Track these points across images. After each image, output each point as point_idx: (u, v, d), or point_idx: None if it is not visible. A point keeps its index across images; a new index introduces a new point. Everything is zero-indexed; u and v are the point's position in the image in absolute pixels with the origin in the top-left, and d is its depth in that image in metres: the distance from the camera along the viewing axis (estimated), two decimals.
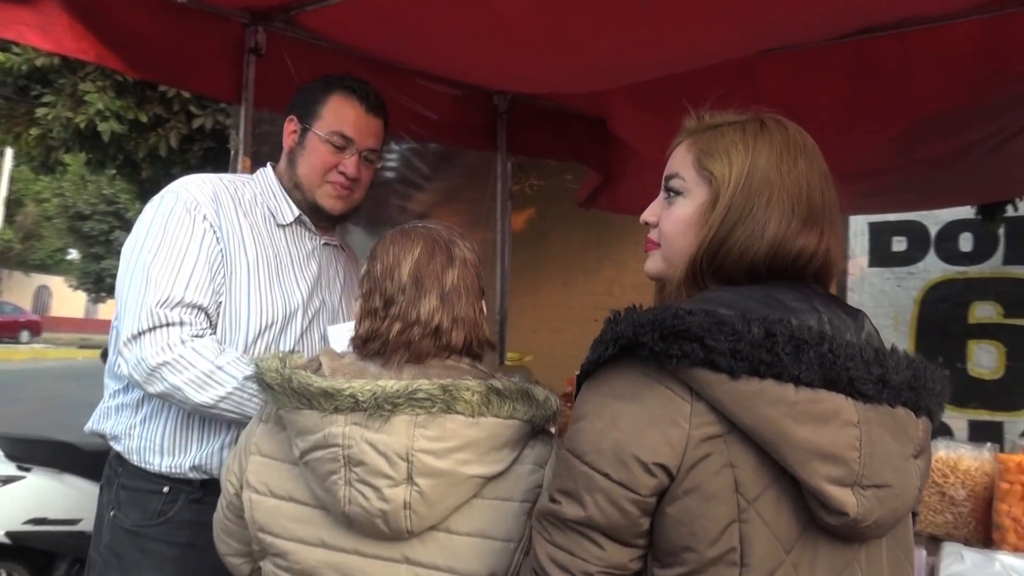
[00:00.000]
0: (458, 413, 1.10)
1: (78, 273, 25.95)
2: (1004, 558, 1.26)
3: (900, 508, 0.96)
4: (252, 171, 2.31)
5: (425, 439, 1.10)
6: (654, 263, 1.11)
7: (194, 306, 1.48)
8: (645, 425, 0.90)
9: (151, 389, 1.46)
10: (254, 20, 2.35)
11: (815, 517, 0.91)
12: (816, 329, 0.92)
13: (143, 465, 1.57)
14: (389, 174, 4.60)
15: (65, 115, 4.10)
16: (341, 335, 1.56)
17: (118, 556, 1.55)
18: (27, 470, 3.19)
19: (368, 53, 2.62)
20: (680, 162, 1.08)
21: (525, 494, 1.15)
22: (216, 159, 4.77)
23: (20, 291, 31.11)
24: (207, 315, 1.51)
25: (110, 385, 1.65)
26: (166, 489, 1.56)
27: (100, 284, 24.46)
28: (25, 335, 24.61)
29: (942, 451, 1.77)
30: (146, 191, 5.76)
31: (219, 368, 1.45)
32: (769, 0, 1.96)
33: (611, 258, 6.11)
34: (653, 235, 1.11)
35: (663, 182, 1.11)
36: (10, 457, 3.18)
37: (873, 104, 2.66)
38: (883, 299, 5.38)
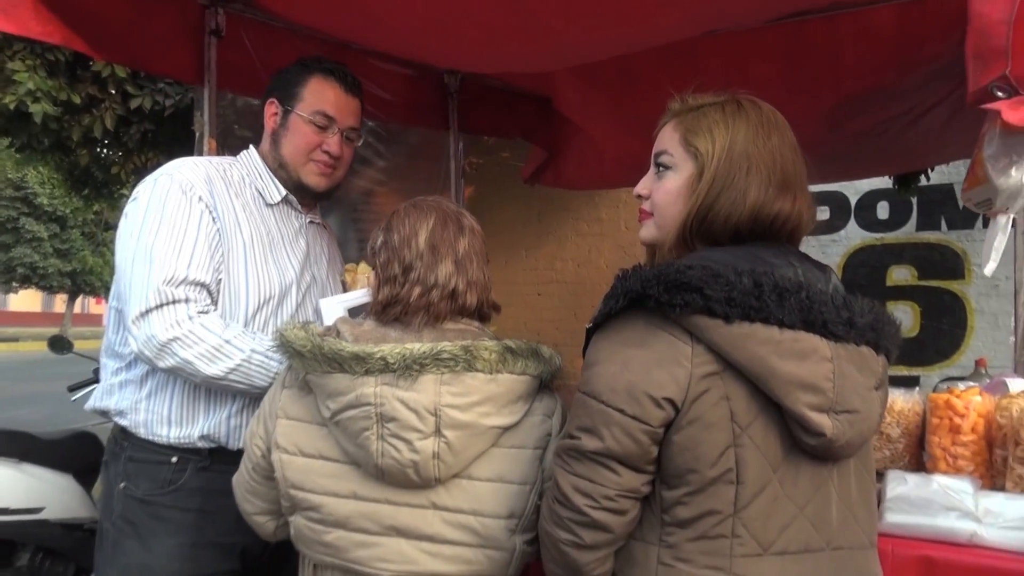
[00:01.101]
0: (478, 371, 1.22)
1: None
2: (939, 478, 1.45)
3: (866, 431, 1.13)
4: (218, 151, 2.35)
5: (450, 395, 1.21)
6: (648, 231, 1.25)
7: (197, 283, 1.54)
8: (653, 366, 1.05)
9: (162, 364, 1.52)
10: (213, 2, 2.36)
11: (797, 440, 1.07)
12: (794, 279, 1.08)
13: (151, 437, 1.62)
14: None
15: None
16: (334, 307, 1.65)
17: (132, 524, 1.61)
18: None
19: (324, 33, 2.66)
20: (668, 140, 1.22)
21: (537, 441, 1.28)
22: (155, 142, 4.66)
23: None
24: (209, 292, 1.57)
25: (110, 364, 1.69)
26: (175, 459, 1.62)
27: (11, 274, 23.25)
28: None
29: None
30: (76, 177, 5.58)
31: (227, 342, 1.52)
32: None
33: (552, 232, 6.25)
34: (646, 206, 1.24)
35: (653, 158, 1.24)
36: None
37: (805, 83, 2.85)
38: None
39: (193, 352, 1.49)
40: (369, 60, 2.87)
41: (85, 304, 34.55)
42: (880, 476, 1.58)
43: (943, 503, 1.38)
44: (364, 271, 1.78)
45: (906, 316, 5.33)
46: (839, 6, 2.45)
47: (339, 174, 1.82)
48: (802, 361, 1.06)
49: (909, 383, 5.35)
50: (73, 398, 3.53)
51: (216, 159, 1.80)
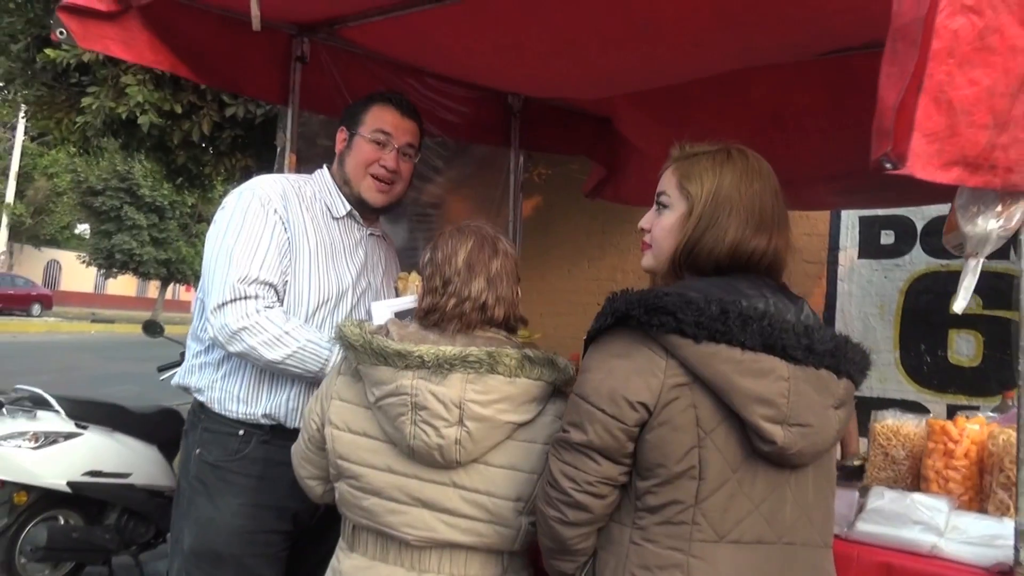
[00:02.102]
0: (499, 374, 1.43)
1: (89, 248, 26.26)
2: (915, 495, 1.57)
3: (820, 444, 1.29)
4: (297, 166, 2.64)
5: (474, 392, 1.42)
6: (647, 260, 1.44)
7: (266, 283, 1.81)
8: (632, 375, 1.24)
9: (232, 348, 1.79)
10: (301, 32, 2.65)
11: (754, 447, 1.24)
12: (761, 308, 1.25)
13: (223, 412, 1.89)
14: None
15: (108, 105, 4.40)
16: (382, 310, 1.89)
17: (204, 484, 1.88)
18: (84, 428, 3.55)
19: (398, 60, 2.92)
20: (667, 182, 1.41)
21: (547, 438, 1.47)
22: (244, 146, 5.06)
23: (31, 265, 31.47)
24: (276, 290, 1.83)
25: (193, 347, 1.98)
26: (241, 432, 1.89)
27: (111, 260, 24.76)
28: (36, 308, 24.96)
29: (889, 420, 2.09)
30: (174, 173, 6.07)
31: (286, 333, 1.78)
32: (749, 28, 2.26)
33: (615, 245, 6.39)
34: (647, 239, 1.44)
35: (655, 198, 1.44)
36: (70, 416, 3.53)
37: (851, 112, 2.93)
38: (870, 289, 5.65)
39: (258, 340, 1.76)
40: (436, 82, 3.12)
41: (176, 291, 36.36)
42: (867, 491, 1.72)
43: (911, 517, 1.51)
44: (414, 279, 2.01)
45: (968, 345, 5.25)
46: (878, 44, 2.55)
47: (397, 190, 2.05)
48: (759, 379, 1.22)
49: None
50: (161, 378, 3.88)
51: (293, 177, 2.07)
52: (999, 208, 1.32)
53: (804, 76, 2.88)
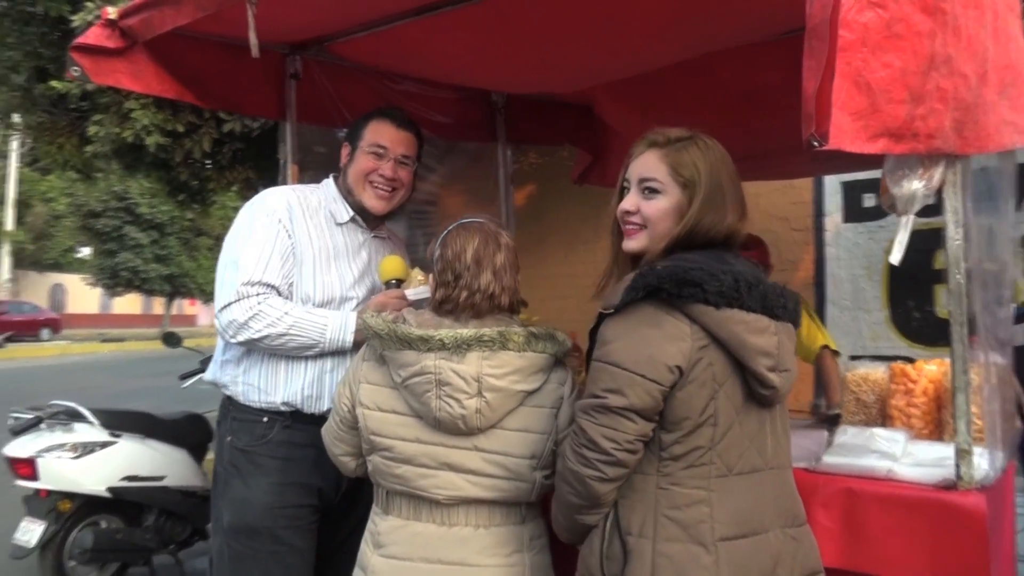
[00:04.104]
0: (510, 350, 1.63)
1: (94, 269, 26.45)
2: (875, 430, 1.77)
3: (791, 383, 1.53)
4: (299, 177, 2.82)
5: (489, 367, 1.62)
6: (638, 242, 1.54)
7: (268, 284, 2.00)
8: (665, 341, 1.39)
9: (241, 338, 1.98)
10: (293, 50, 2.83)
11: (752, 392, 1.44)
12: (756, 275, 1.47)
13: (247, 403, 2.09)
14: None
15: (113, 131, 4.59)
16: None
17: (237, 468, 2.08)
18: (118, 436, 3.76)
19: (384, 69, 3.10)
20: (655, 169, 1.52)
21: (553, 402, 1.69)
22: (245, 159, 5.24)
23: (36, 290, 31.69)
24: (277, 291, 2.02)
25: (219, 346, 2.19)
26: (265, 419, 2.08)
27: (116, 279, 24.96)
28: (46, 333, 25.19)
29: (861, 369, 2.29)
30: (176, 190, 6.25)
31: (286, 313, 1.98)
32: (706, 16, 2.44)
33: (608, 228, 6.55)
34: (637, 219, 1.54)
35: (638, 182, 1.54)
36: (104, 426, 3.74)
37: None
38: (857, 251, 5.80)
39: (264, 323, 1.96)
40: (422, 87, 3.27)
41: (180, 305, 36.56)
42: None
43: (870, 447, 1.71)
44: (415, 274, 2.19)
45: None
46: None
47: (399, 196, 2.22)
48: (761, 335, 1.43)
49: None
50: (183, 385, 4.07)
51: (300, 187, 2.26)
52: (921, 171, 1.50)
53: (770, 54, 3.04)
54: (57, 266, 32.63)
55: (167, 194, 6.52)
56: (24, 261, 30.03)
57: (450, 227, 1.79)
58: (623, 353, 1.40)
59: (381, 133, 2.18)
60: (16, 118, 6.23)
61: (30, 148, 6.40)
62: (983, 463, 1.55)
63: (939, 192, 1.57)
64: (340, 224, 2.20)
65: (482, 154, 4.10)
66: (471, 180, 5.07)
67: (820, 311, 5.36)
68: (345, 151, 2.23)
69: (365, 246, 2.24)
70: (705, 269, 1.40)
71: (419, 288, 2.07)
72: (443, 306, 1.72)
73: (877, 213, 5.75)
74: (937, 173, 1.51)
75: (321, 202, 2.20)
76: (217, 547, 2.12)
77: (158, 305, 33.12)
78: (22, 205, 28.36)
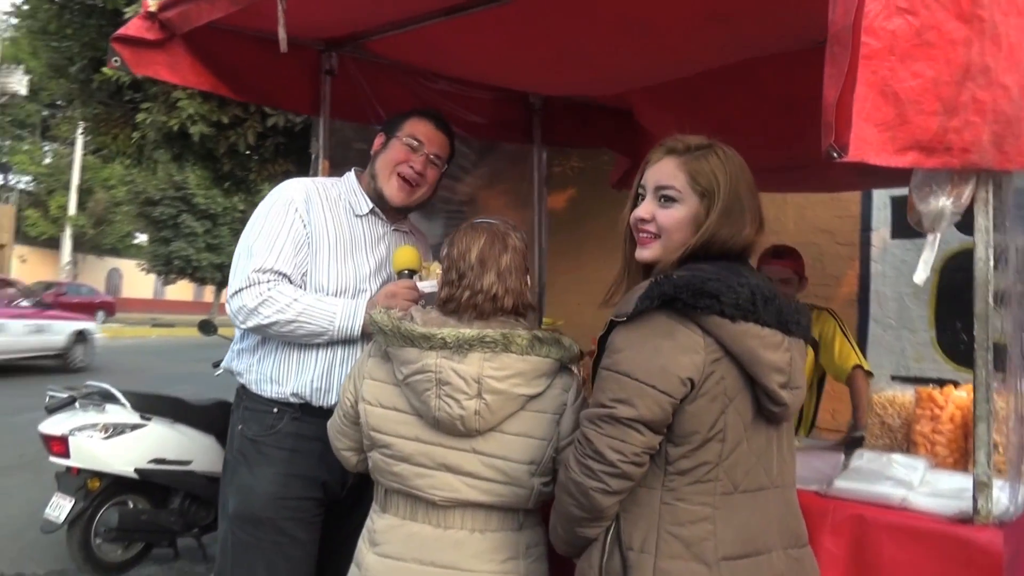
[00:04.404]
0: (512, 352, 1.60)
1: (148, 256, 27.21)
2: (893, 455, 1.70)
3: (801, 401, 1.48)
4: (330, 171, 2.85)
5: (490, 368, 1.60)
6: (652, 252, 1.49)
7: (279, 272, 2.02)
8: (679, 353, 1.34)
9: (251, 323, 2.00)
10: (328, 47, 2.86)
11: (762, 408, 1.40)
12: (771, 290, 1.42)
13: (259, 392, 2.11)
14: None
15: (160, 119, 4.71)
16: None
17: (244, 456, 2.11)
18: (148, 419, 3.84)
19: (419, 67, 3.11)
20: (671, 176, 1.47)
21: (555, 408, 1.65)
22: (286, 152, 5.33)
23: (93, 274, 32.70)
24: (289, 279, 2.03)
25: (236, 336, 2.21)
26: (275, 410, 2.10)
27: (169, 266, 25.65)
28: (100, 316, 25.95)
29: (888, 391, 2.21)
30: (221, 179, 6.39)
31: (295, 300, 2.00)
32: (737, 20, 2.38)
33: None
34: (651, 228, 1.49)
35: (654, 190, 1.50)
36: (135, 408, 3.83)
37: None
38: (904, 268, 5.62)
39: (273, 309, 1.98)
40: (458, 86, 3.27)
41: None
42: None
43: (884, 473, 1.64)
44: (435, 268, 2.18)
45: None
46: None
47: (420, 193, 2.22)
48: (775, 351, 1.39)
49: None
50: (216, 373, 4.14)
51: (321, 180, 2.28)
52: (949, 187, 1.44)
53: (812, 62, 2.95)
54: (115, 251, 33.65)
55: (212, 182, 6.67)
56: (84, 245, 31.04)
57: (460, 226, 1.77)
58: (634, 362, 1.35)
59: (419, 128, 2.20)
60: (77, 109, 6.43)
61: (89, 137, 6.63)
62: (1003, 497, 1.47)
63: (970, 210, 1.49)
64: (360, 216, 2.21)
65: (522, 156, 4.08)
66: (510, 182, 5.06)
67: (863, 329, 5.21)
68: (379, 141, 2.25)
69: (384, 239, 2.24)
70: (722, 281, 1.36)
71: (432, 281, 2.06)
72: (447, 305, 1.71)
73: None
74: (967, 190, 1.45)
75: (341, 194, 2.22)
76: (223, 534, 2.15)
77: (209, 293, 33.94)
78: (84, 191, 29.36)
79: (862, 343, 4.98)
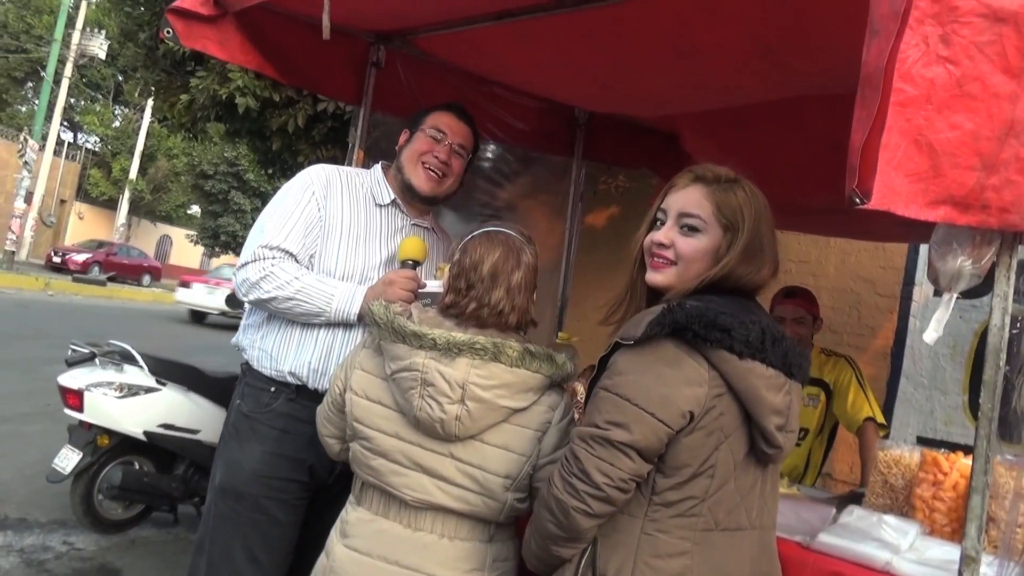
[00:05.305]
0: (502, 363, 1.58)
1: (198, 227, 27.83)
2: (886, 516, 1.64)
3: (793, 445, 1.44)
4: (364, 162, 2.87)
5: (477, 376, 1.57)
6: (665, 278, 1.46)
7: (285, 250, 2.05)
8: (683, 384, 1.32)
9: (251, 297, 2.04)
10: (378, 40, 2.89)
11: (754, 448, 1.37)
12: (781, 331, 1.39)
13: (259, 369, 2.13)
14: (484, 164, 5.11)
15: (213, 88, 4.81)
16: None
17: (237, 431, 2.13)
18: (163, 384, 3.90)
19: (466, 69, 3.12)
20: (698, 205, 1.45)
21: (539, 425, 1.62)
22: (335, 139, 5.39)
23: (145, 238, 33.57)
24: (294, 259, 2.06)
25: (246, 310, 2.24)
26: (272, 389, 2.12)
27: (216, 240, 26.18)
28: (147, 279, 26.62)
29: (895, 450, 2.14)
30: (270, 160, 6.49)
31: (296, 278, 2.02)
32: (786, 56, 2.33)
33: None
34: (670, 254, 1.46)
35: (677, 216, 1.47)
36: (152, 372, 3.90)
37: None
38: (944, 328, 5.47)
39: (273, 284, 2.01)
40: (503, 92, 3.28)
41: None
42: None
43: (872, 534, 1.58)
44: (447, 269, 2.17)
45: None
46: None
47: (448, 183, 2.23)
48: (777, 392, 1.36)
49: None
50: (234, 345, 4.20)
51: (347, 168, 2.30)
52: (970, 247, 1.38)
53: None
54: (168, 219, 34.53)
55: (259, 164, 6.77)
56: (140, 210, 31.93)
57: (475, 232, 1.74)
58: (636, 387, 1.32)
59: (442, 120, 2.23)
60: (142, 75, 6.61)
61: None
62: (990, 574, 1.40)
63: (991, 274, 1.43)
64: (381, 206, 2.22)
65: (563, 169, 4.06)
66: (549, 193, 5.03)
67: (893, 385, 5.08)
68: (404, 136, 2.28)
69: (402, 232, 2.24)
70: (734, 316, 1.33)
71: (437, 282, 2.04)
72: (449, 310, 1.69)
73: (972, 291, 5.34)
74: (989, 252, 1.39)
75: (364, 183, 2.24)
76: (207, 504, 2.18)
77: None
78: (147, 157, 30.21)
79: (891, 399, 4.85)
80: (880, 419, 3.02)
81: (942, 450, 1.96)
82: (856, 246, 5.13)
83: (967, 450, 1.96)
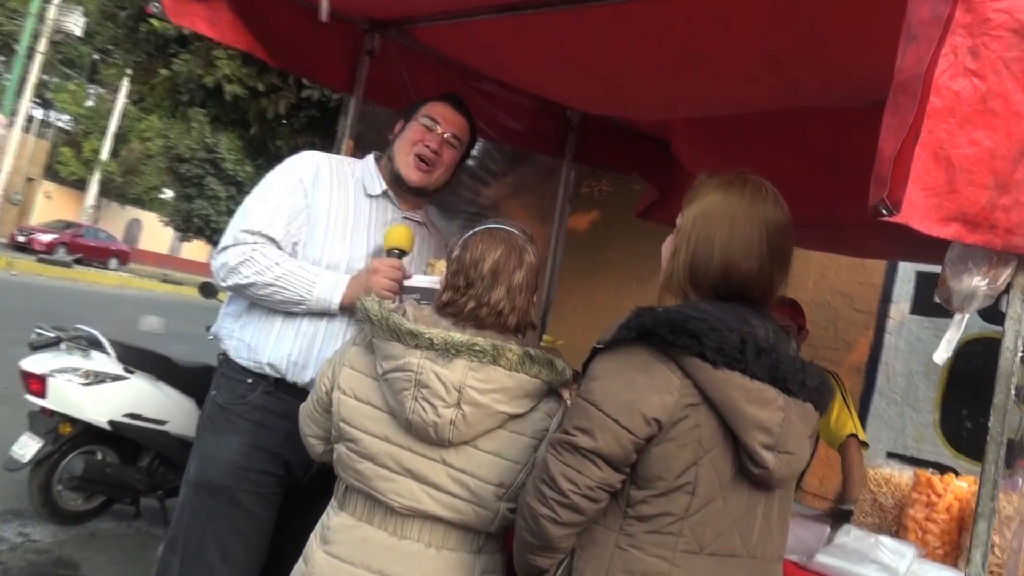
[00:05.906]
0: (500, 366, 1.51)
1: (170, 210, 27.35)
2: (882, 537, 1.60)
3: (795, 469, 1.37)
4: (353, 152, 2.79)
5: (474, 379, 1.50)
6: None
7: (267, 236, 1.97)
8: (650, 391, 1.27)
9: (230, 282, 1.96)
10: (373, 27, 2.81)
11: (743, 468, 1.30)
12: (771, 341, 1.32)
13: (237, 360, 2.05)
14: (469, 161, 5.05)
15: (196, 72, 4.69)
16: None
17: (212, 423, 2.05)
18: (131, 373, 3.78)
19: (462, 63, 3.06)
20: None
21: (535, 433, 1.56)
22: (318, 127, 5.29)
23: (114, 221, 32.90)
24: (278, 245, 1.98)
25: (225, 299, 2.16)
26: (250, 380, 2.03)
27: (188, 223, 25.76)
28: (114, 263, 26.08)
29: (885, 469, 2.11)
30: (252, 148, 6.36)
31: (276, 264, 1.94)
32: (796, 68, 2.30)
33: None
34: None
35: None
36: (120, 359, 3.78)
37: None
38: (919, 346, 5.52)
39: (253, 270, 1.93)
40: (498, 89, 3.24)
41: None
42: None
43: (870, 555, 1.54)
44: (441, 266, 2.11)
45: (1014, 417, 5.09)
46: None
47: (437, 175, 2.16)
48: (762, 407, 1.29)
49: None
50: (210, 336, 4.09)
51: (339, 157, 2.23)
52: (986, 267, 1.35)
53: (861, 123, 2.88)
54: (139, 202, 33.86)
55: (246, 155, 6.65)
56: (110, 192, 31.29)
57: (476, 228, 1.67)
58: (604, 393, 1.29)
59: (436, 109, 2.17)
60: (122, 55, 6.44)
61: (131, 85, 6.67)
62: None
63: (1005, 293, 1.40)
64: (371, 196, 2.15)
65: (551, 171, 4.04)
66: (535, 194, 4.99)
67: (866, 400, 5.12)
68: (398, 127, 2.21)
69: (392, 224, 2.17)
70: (709, 322, 1.26)
71: (435, 277, 1.96)
72: (446, 308, 1.62)
73: (947, 311, 5.44)
74: (1005, 273, 1.36)
75: (355, 172, 2.17)
76: (180, 499, 2.09)
77: None
78: (120, 139, 29.62)
79: (863, 414, 4.89)
80: (863, 436, 3.01)
81: (929, 470, 1.94)
82: (836, 261, 5.15)
83: (943, 469, 1.96)
